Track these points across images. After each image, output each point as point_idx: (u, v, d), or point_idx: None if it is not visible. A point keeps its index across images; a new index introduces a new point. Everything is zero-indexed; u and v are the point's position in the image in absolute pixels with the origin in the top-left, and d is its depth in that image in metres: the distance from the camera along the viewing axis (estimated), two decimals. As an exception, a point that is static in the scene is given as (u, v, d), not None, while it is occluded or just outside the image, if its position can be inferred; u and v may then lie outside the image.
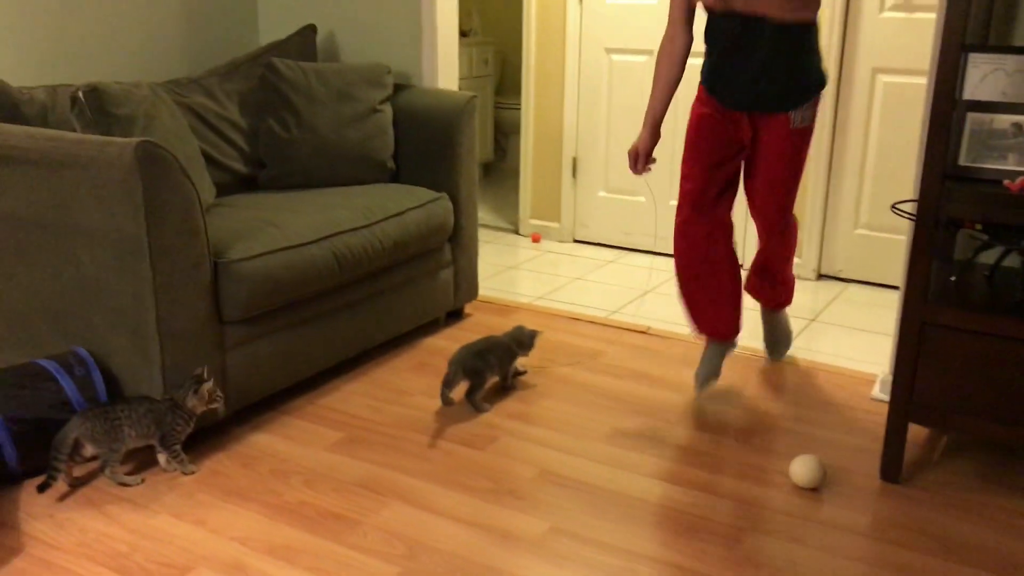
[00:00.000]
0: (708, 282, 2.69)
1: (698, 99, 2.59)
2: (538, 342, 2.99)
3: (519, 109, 5.45)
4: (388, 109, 3.23)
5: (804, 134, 2.55)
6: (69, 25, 3.07)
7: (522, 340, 2.82)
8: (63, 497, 2.21)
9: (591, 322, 3.42)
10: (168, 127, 2.68)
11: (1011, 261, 2.43)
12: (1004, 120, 2.09)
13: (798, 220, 2.83)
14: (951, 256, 2.53)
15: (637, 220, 4.36)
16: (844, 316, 3.54)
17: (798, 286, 3.87)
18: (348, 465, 2.38)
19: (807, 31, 2.45)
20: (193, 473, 2.32)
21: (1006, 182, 2.08)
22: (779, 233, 2.74)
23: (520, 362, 2.90)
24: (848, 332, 3.37)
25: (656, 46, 3.96)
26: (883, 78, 3.69)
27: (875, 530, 2.12)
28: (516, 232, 4.73)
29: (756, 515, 2.17)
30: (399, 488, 2.27)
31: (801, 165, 2.60)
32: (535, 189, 4.60)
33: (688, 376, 2.93)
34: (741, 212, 3.80)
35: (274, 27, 3.72)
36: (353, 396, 2.78)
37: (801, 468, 2.27)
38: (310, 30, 3.43)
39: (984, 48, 2.06)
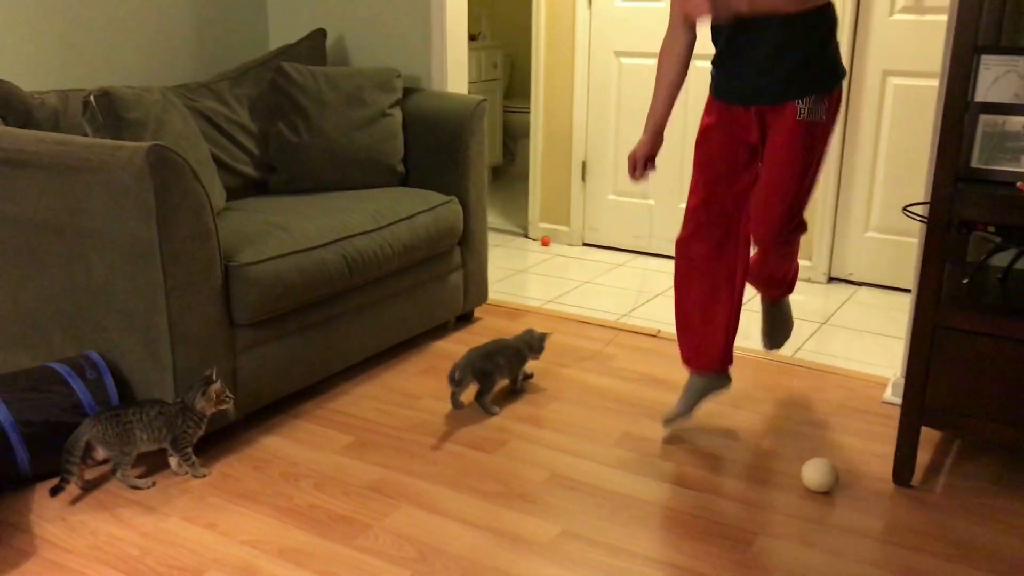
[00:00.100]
0: (703, 305, 2.49)
1: (705, 111, 2.47)
2: (548, 345, 2.99)
3: (528, 113, 5.45)
4: (398, 113, 3.23)
5: (812, 129, 2.29)
6: (80, 30, 3.08)
7: (532, 343, 2.82)
8: (75, 500, 2.22)
9: (601, 325, 3.41)
10: (179, 131, 2.69)
11: (1024, 264, 2.42)
12: (1017, 122, 2.08)
13: (807, 225, 2.58)
14: (964, 259, 2.52)
15: (646, 223, 4.36)
16: (855, 319, 3.52)
17: (809, 289, 3.87)
18: (358, 468, 2.38)
19: (818, 21, 2.25)
20: (204, 476, 2.33)
21: (1019, 184, 2.07)
22: (780, 246, 2.46)
23: (530, 365, 2.89)
24: (859, 335, 3.36)
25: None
26: (893, 80, 3.68)
27: (887, 534, 2.11)
28: (525, 236, 4.73)
29: (767, 519, 2.16)
30: (409, 491, 2.27)
31: (809, 165, 2.33)
32: (544, 192, 4.60)
33: (698, 379, 2.93)
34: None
35: (284, 31, 3.73)
36: (363, 399, 2.78)
37: (813, 472, 2.26)
38: (320, 34, 3.44)
39: (996, 50, 2.06)
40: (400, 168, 3.23)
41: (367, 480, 2.32)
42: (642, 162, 2.46)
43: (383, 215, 2.86)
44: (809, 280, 3.96)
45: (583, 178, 4.46)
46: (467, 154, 3.18)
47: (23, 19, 2.92)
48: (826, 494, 2.27)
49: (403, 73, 3.43)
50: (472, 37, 5.66)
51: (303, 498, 2.24)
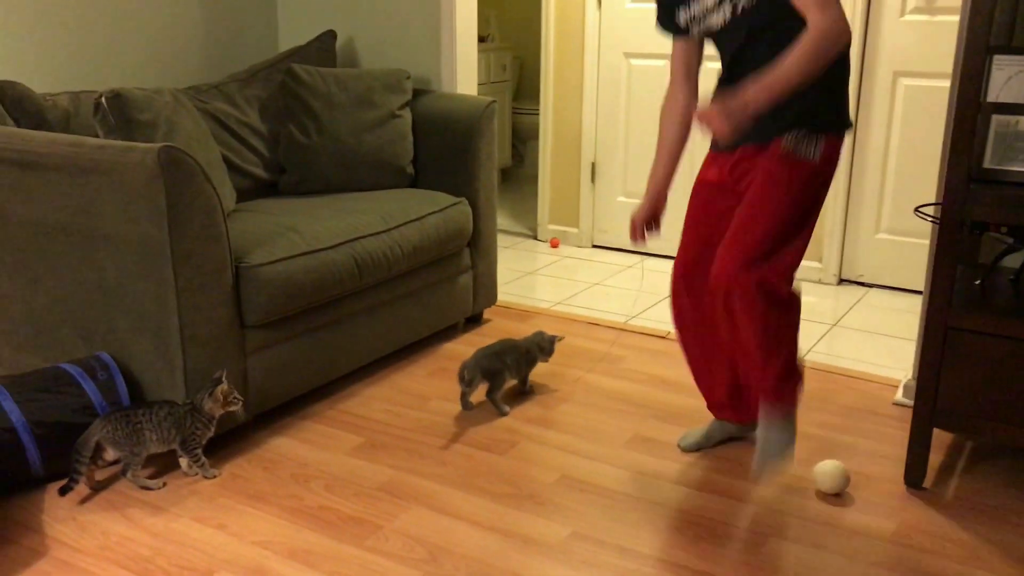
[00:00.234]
0: (703, 354, 2.35)
1: (703, 165, 2.29)
2: (558, 347, 2.98)
3: (537, 114, 5.44)
4: (407, 114, 3.24)
5: (796, 165, 2.04)
6: (91, 32, 3.10)
7: (543, 345, 2.81)
8: (85, 500, 2.22)
9: (610, 327, 3.41)
10: (190, 133, 2.70)
11: (1036, 265, 2.41)
12: (1029, 122, 2.07)
13: (798, 297, 2.12)
14: (976, 260, 2.51)
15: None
16: (866, 321, 3.51)
17: (819, 291, 3.85)
18: (368, 469, 2.38)
19: (827, 75, 2.01)
20: (215, 477, 2.33)
21: (1032, 185, 2.06)
22: (740, 295, 2.04)
23: (536, 371, 2.89)
24: (870, 337, 3.35)
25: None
26: (904, 81, 3.67)
27: (899, 536, 2.10)
28: (535, 237, 4.73)
29: (778, 520, 2.15)
30: (419, 492, 2.27)
31: (785, 206, 2.04)
32: (553, 194, 4.59)
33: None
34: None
35: (294, 33, 3.74)
36: (372, 401, 2.78)
37: (824, 474, 2.25)
38: (330, 36, 3.44)
39: (1009, 50, 2.04)
40: (410, 169, 3.23)
41: (377, 481, 2.32)
42: (641, 226, 2.32)
43: (393, 216, 2.87)
44: (819, 282, 3.95)
45: (592, 180, 4.46)
46: (477, 155, 3.18)
47: (35, 22, 2.93)
48: (837, 496, 2.26)
49: (413, 74, 3.43)
50: (481, 39, 5.66)
51: (313, 499, 2.24)
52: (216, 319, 2.35)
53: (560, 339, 2.87)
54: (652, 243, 2.58)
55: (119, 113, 2.51)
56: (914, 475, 2.29)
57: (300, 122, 3.16)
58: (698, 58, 2.25)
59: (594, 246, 4.55)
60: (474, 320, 3.44)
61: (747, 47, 2.05)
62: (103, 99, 2.50)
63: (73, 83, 3.07)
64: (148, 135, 2.55)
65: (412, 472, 2.37)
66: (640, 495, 2.27)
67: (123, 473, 2.26)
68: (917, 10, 3.58)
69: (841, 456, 2.46)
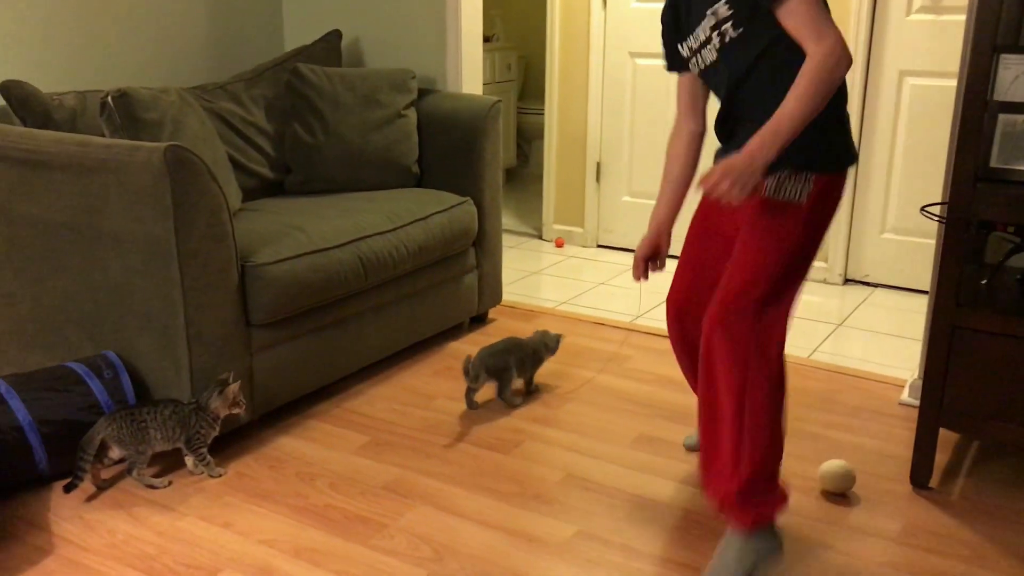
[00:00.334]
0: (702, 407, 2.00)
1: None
2: (562, 347, 2.99)
3: (542, 114, 5.45)
4: (413, 114, 3.24)
5: (780, 210, 1.87)
6: (98, 32, 3.10)
7: (549, 343, 2.82)
8: (91, 499, 2.23)
9: (615, 327, 3.41)
10: (196, 132, 2.70)
11: (1043, 264, 2.40)
12: (1036, 121, 2.06)
13: (782, 369, 1.88)
14: (982, 259, 2.50)
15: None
16: (871, 320, 3.51)
17: (825, 291, 3.84)
18: (374, 468, 2.38)
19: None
20: (220, 476, 2.33)
21: (1038, 184, 2.05)
22: (722, 327, 1.86)
23: (544, 367, 2.89)
24: (876, 337, 3.34)
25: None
26: (910, 81, 3.66)
27: (905, 536, 2.09)
28: (540, 237, 4.73)
29: (784, 520, 2.15)
30: (425, 491, 2.27)
31: (769, 255, 1.86)
32: (559, 194, 4.59)
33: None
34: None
35: (299, 33, 3.74)
36: (378, 400, 2.78)
37: (830, 473, 2.25)
38: (335, 36, 3.45)
39: (1016, 49, 2.04)
40: (415, 169, 3.23)
41: (382, 480, 2.32)
42: (641, 263, 2.18)
43: (398, 216, 2.87)
44: (825, 281, 3.95)
45: (597, 179, 4.46)
46: (482, 155, 3.18)
47: (41, 21, 2.94)
48: (843, 496, 2.26)
49: (418, 74, 3.43)
50: (486, 39, 5.66)
51: (319, 498, 2.24)
52: (222, 318, 2.36)
53: (562, 337, 2.87)
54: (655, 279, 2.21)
55: (125, 112, 2.52)
56: (920, 475, 2.28)
57: (306, 121, 3.16)
58: (705, 89, 2.12)
59: (599, 246, 4.55)
60: (479, 320, 3.44)
61: (744, 81, 1.89)
62: (109, 98, 2.51)
63: (79, 82, 3.07)
64: (154, 134, 2.55)
65: (417, 471, 2.37)
66: (646, 494, 2.26)
67: (129, 472, 2.27)
68: (923, 9, 3.57)
69: (846, 456, 2.45)
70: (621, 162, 4.38)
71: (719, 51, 1.89)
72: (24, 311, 2.57)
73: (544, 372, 2.92)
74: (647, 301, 3.72)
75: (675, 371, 2.98)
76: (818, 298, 3.74)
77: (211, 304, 2.32)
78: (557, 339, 2.84)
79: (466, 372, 2.64)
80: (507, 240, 4.65)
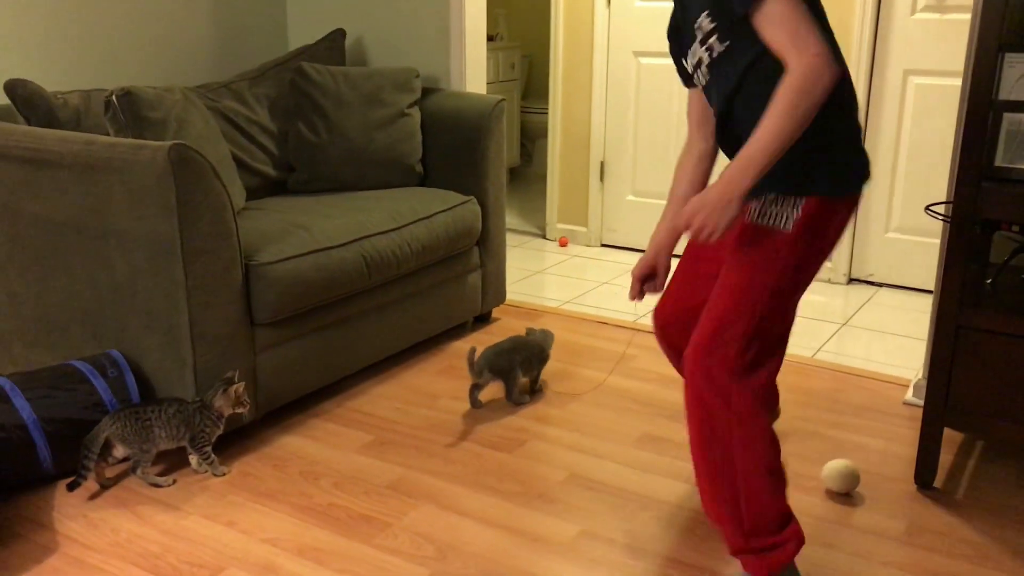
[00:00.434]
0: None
1: None
2: (564, 345, 2.99)
3: (546, 113, 5.45)
4: (416, 113, 3.24)
5: (763, 238, 1.73)
6: (102, 30, 3.11)
7: (546, 341, 2.82)
8: (95, 497, 2.23)
9: (619, 326, 3.40)
10: (200, 131, 2.70)
11: (1048, 264, 2.40)
12: (1041, 120, 2.06)
13: (775, 412, 1.84)
14: (987, 259, 2.50)
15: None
16: (876, 320, 3.50)
17: (829, 290, 3.84)
18: (377, 467, 2.38)
19: (815, 123, 1.68)
20: (224, 475, 2.33)
21: (1044, 183, 2.05)
22: (699, 373, 1.74)
23: (548, 366, 2.89)
24: (880, 336, 3.34)
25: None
26: (915, 80, 3.65)
27: (909, 536, 2.09)
28: (543, 236, 4.72)
29: (788, 520, 2.15)
30: (428, 490, 2.27)
31: (751, 289, 1.72)
32: (562, 193, 4.59)
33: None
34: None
35: (303, 32, 3.74)
36: (381, 399, 2.78)
37: (834, 473, 2.24)
38: (339, 35, 3.45)
39: (1021, 48, 2.04)
40: (419, 168, 3.23)
41: (386, 479, 2.33)
42: (636, 283, 2.05)
43: (402, 215, 2.87)
44: (829, 281, 3.94)
45: (601, 179, 4.46)
46: (485, 154, 3.18)
47: (45, 20, 2.94)
48: (847, 495, 2.25)
49: (422, 73, 3.43)
50: (490, 37, 5.66)
51: (322, 497, 2.24)
52: (226, 317, 2.36)
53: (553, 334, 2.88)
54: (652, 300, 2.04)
55: (129, 111, 2.52)
56: (924, 475, 2.28)
57: (309, 120, 3.16)
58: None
59: (603, 245, 4.55)
60: (483, 319, 3.44)
61: (735, 96, 1.75)
62: (114, 97, 2.51)
63: (84, 81, 3.08)
64: (158, 133, 2.55)
65: (421, 470, 2.37)
66: (649, 494, 2.26)
67: (133, 470, 2.27)
68: (928, 8, 3.57)
69: (851, 455, 2.45)
70: (625, 161, 4.38)
71: (708, 66, 1.78)
72: (28, 310, 2.57)
73: (547, 371, 2.92)
74: (651, 300, 3.71)
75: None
76: (822, 297, 3.73)
77: (215, 303, 2.32)
78: (551, 337, 2.85)
79: (470, 364, 2.64)
80: (511, 239, 4.65)
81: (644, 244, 4.41)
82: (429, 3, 3.43)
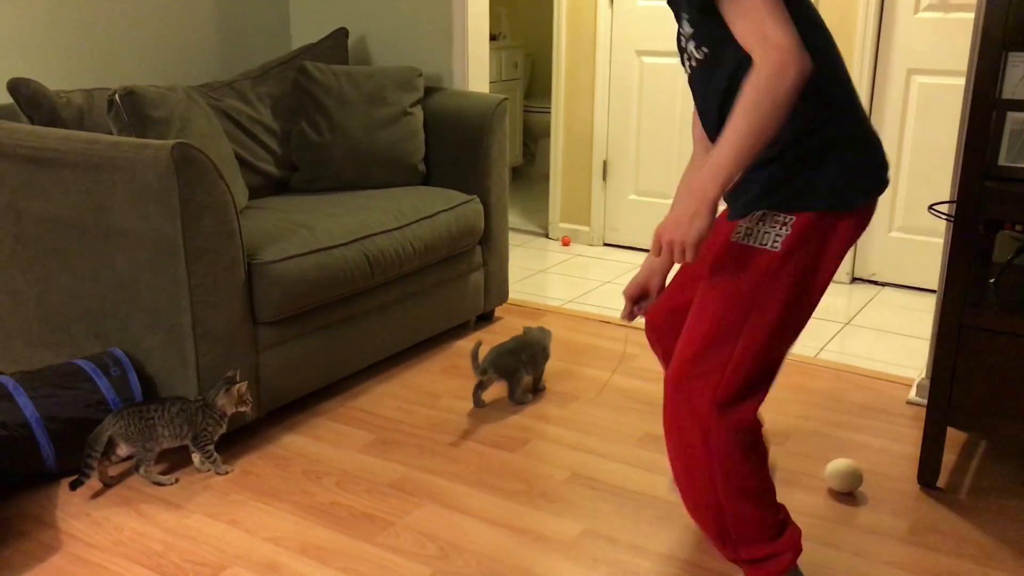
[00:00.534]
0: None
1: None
2: (566, 344, 2.98)
3: (548, 113, 5.45)
4: (419, 112, 3.24)
5: (745, 257, 1.59)
6: (105, 29, 3.11)
7: (546, 338, 2.82)
8: (98, 496, 2.23)
9: (621, 326, 3.40)
10: (202, 130, 2.71)
11: (1051, 263, 2.40)
12: (1045, 119, 2.06)
13: (763, 439, 1.69)
14: (990, 258, 2.49)
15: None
16: (879, 319, 3.50)
17: (832, 290, 3.83)
18: (380, 466, 2.38)
19: (798, 133, 1.55)
20: (227, 473, 2.34)
21: (1047, 182, 2.04)
22: (678, 395, 1.65)
23: (551, 366, 2.89)
24: (883, 336, 3.33)
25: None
26: (918, 79, 3.65)
27: (912, 535, 2.09)
28: (546, 236, 4.72)
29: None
30: (431, 489, 2.27)
31: (730, 322, 1.59)
32: (565, 192, 4.59)
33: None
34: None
35: (306, 31, 3.74)
36: (384, 398, 2.78)
37: (837, 472, 2.24)
38: (342, 34, 3.45)
39: (1024, 46, 2.03)
40: (421, 167, 3.23)
41: (389, 478, 2.33)
42: (628, 303, 1.96)
43: (404, 214, 2.87)
44: (832, 280, 3.93)
45: (604, 178, 4.45)
46: (488, 153, 3.18)
47: (48, 19, 2.95)
48: (850, 495, 2.25)
49: (424, 72, 3.43)
50: (492, 37, 5.66)
51: (325, 496, 2.24)
52: (228, 316, 2.36)
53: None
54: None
55: (132, 110, 2.52)
56: (927, 474, 2.28)
57: (312, 119, 3.17)
58: None
59: (605, 244, 4.54)
60: (485, 318, 3.44)
61: (723, 107, 1.59)
62: (117, 96, 2.51)
63: (87, 80, 3.08)
64: (161, 132, 2.55)
65: (423, 469, 2.37)
66: (652, 493, 2.26)
67: (136, 469, 2.27)
68: (931, 7, 3.56)
69: (854, 455, 2.45)
70: (628, 161, 4.37)
71: (697, 76, 1.65)
72: (31, 308, 2.58)
73: (549, 371, 2.92)
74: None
75: (681, 370, 2.98)
76: (825, 297, 3.73)
77: (218, 302, 2.32)
78: (550, 334, 2.86)
79: (474, 359, 2.64)
80: (513, 238, 4.65)
81: (647, 243, 4.41)
82: (432, 2, 3.43)
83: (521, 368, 2.70)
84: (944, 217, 2.31)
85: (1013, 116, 2.07)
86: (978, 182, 2.06)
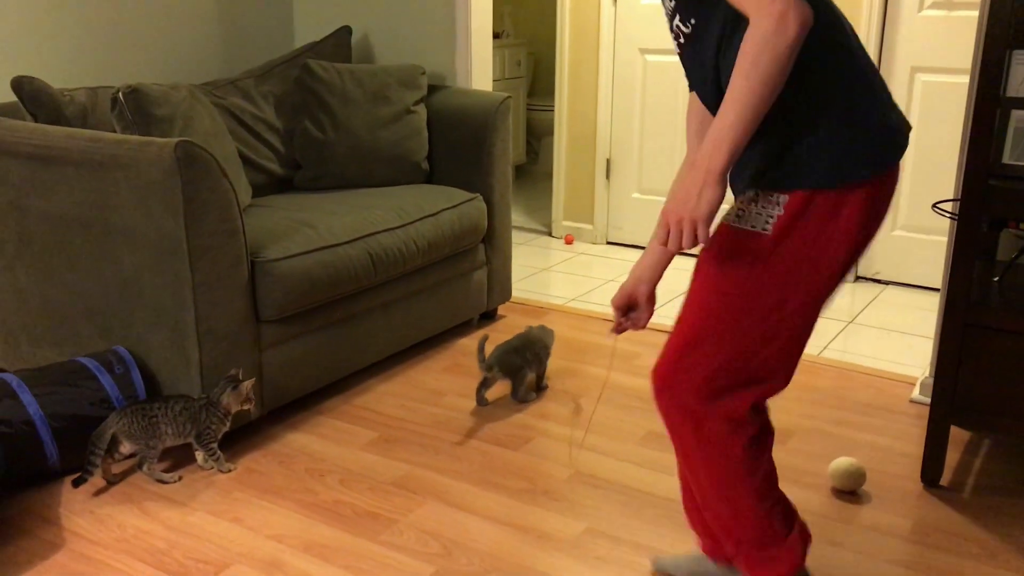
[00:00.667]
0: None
1: None
2: (567, 342, 2.98)
3: (551, 111, 5.44)
4: (422, 110, 3.24)
5: (737, 241, 1.48)
6: (109, 28, 3.11)
7: (547, 336, 2.82)
8: (102, 493, 2.24)
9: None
10: (206, 128, 2.71)
11: (1056, 262, 2.39)
12: (1049, 118, 2.05)
13: (767, 429, 1.63)
14: (994, 256, 2.49)
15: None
16: (882, 318, 3.49)
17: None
18: (383, 464, 2.38)
19: (791, 104, 1.40)
20: (230, 471, 2.34)
21: (1051, 181, 2.04)
22: (667, 398, 1.58)
23: (553, 364, 2.89)
24: (886, 334, 3.33)
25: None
26: (922, 77, 3.64)
27: (916, 534, 2.09)
28: (549, 234, 4.72)
29: (794, 518, 2.14)
30: (434, 487, 2.27)
31: (718, 311, 1.50)
32: (568, 190, 4.59)
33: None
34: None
35: (309, 29, 3.74)
36: (387, 396, 2.79)
37: (840, 471, 2.24)
38: (345, 32, 3.45)
39: (1029, 44, 2.03)
40: (425, 165, 3.23)
41: (392, 476, 2.33)
42: (616, 313, 1.83)
43: (408, 212, 2.87)
44: (835, 279, 3.93)
45: (607, 176, 4.45)
46: (491, 151, 3.18)
47: (52, 17, 2.95)
48: (853, 494, 2.25)
49: (428, 70, 3.43)
50: (495, 35, 5.66)
51: (328, 494, 2.24)
52: (232, 314, 2.36)
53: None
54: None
55: (136, 108, 2.52)
56: (931, 473, 2.28)
57: (316, 118, 3.17)
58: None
59: (608, 243, 4.54)
60: (488, 316, 3.44)
61: (716, 85, 1.49)
62: (120, 94, 2.52)
63: (90, 78, 3.08)
64: (165, 130, 2.56)
65: (427, 467, 2.37)
66: (655, 491, 2.26)
67: (139, 466, 2.27)
68: (935, 5, 3.55)
69: (857, 454, 2.45)
70: (631, 159, 4.37)
71: (686, 55, 1.53)
72: (35, 306, 2.58)
73: (552, 369, 2.92)
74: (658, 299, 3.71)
75: (685, 368, 2.98)
76: (828, 295, 3.72)
77: (221, 300, 2.33)
78: (552, 333, 2.85)
79: (480, 354, 2.63)
80: (516, 237, 4.64)
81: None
82: (435, 1, 3.43)
83: (525, 366, 2.70)
84: (948, 215, 2.31)
85: (1017, 114, 2.06)
86: (982, 180, 2.06)
